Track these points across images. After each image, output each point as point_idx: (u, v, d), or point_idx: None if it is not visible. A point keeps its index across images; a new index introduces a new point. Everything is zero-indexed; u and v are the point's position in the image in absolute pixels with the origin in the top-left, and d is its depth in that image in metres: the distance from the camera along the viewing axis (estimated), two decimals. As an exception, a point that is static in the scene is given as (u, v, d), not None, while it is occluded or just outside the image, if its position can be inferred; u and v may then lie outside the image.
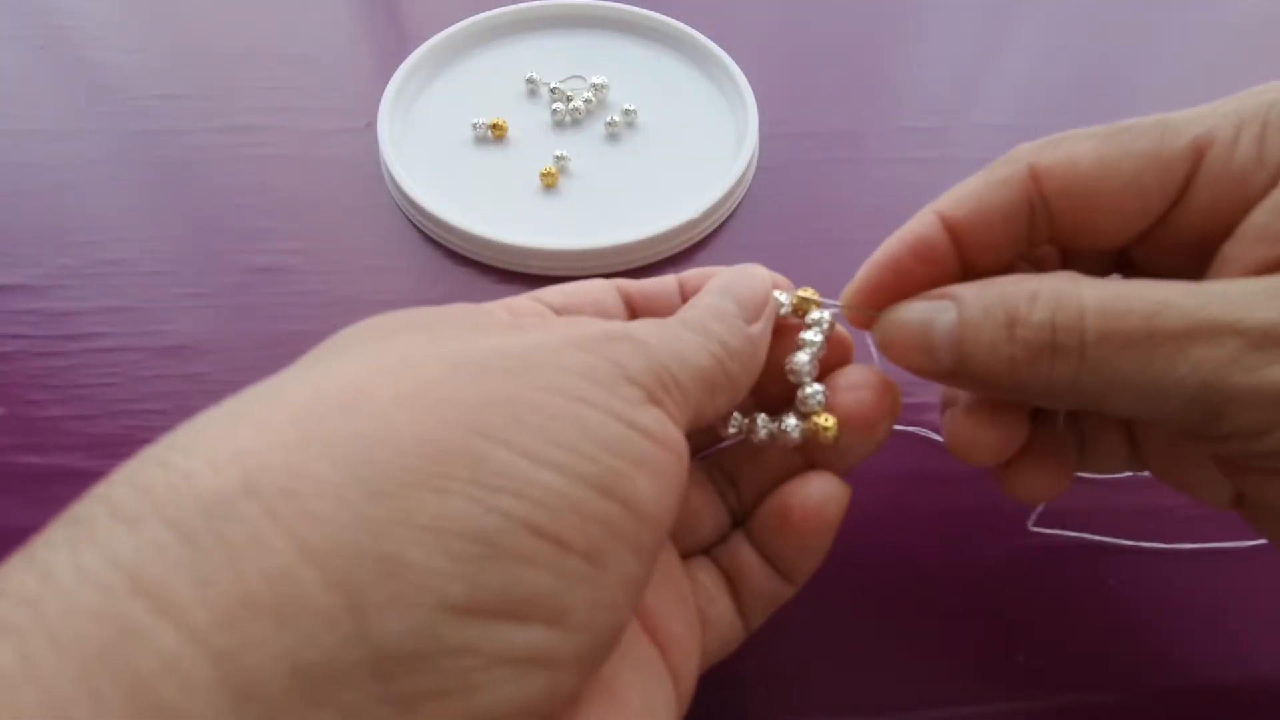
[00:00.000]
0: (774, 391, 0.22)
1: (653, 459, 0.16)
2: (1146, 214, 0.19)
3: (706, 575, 0.22)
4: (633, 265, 0.34)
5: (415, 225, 0.36)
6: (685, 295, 0.23)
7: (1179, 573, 0.27)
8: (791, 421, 0.21)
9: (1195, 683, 0.25)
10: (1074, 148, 0.19)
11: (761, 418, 0.22)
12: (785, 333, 0.22)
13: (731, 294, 0.21)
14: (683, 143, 0.38)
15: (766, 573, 0.22)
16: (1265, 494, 0.18)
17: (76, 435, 0.29)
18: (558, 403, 0.15)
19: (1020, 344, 0.18)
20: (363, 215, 0.36)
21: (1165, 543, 0.27)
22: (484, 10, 0.42)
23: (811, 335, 0.22)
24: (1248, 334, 0.16)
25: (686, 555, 0.23)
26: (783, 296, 0.22)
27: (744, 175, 0.37)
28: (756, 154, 0.38)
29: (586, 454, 0.15)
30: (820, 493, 0.21)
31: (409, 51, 0.40)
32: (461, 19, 0.41)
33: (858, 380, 0.21)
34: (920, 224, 0.21)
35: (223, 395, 0.15)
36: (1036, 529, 0.27)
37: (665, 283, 0.23)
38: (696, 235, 0.35)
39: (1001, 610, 0.26)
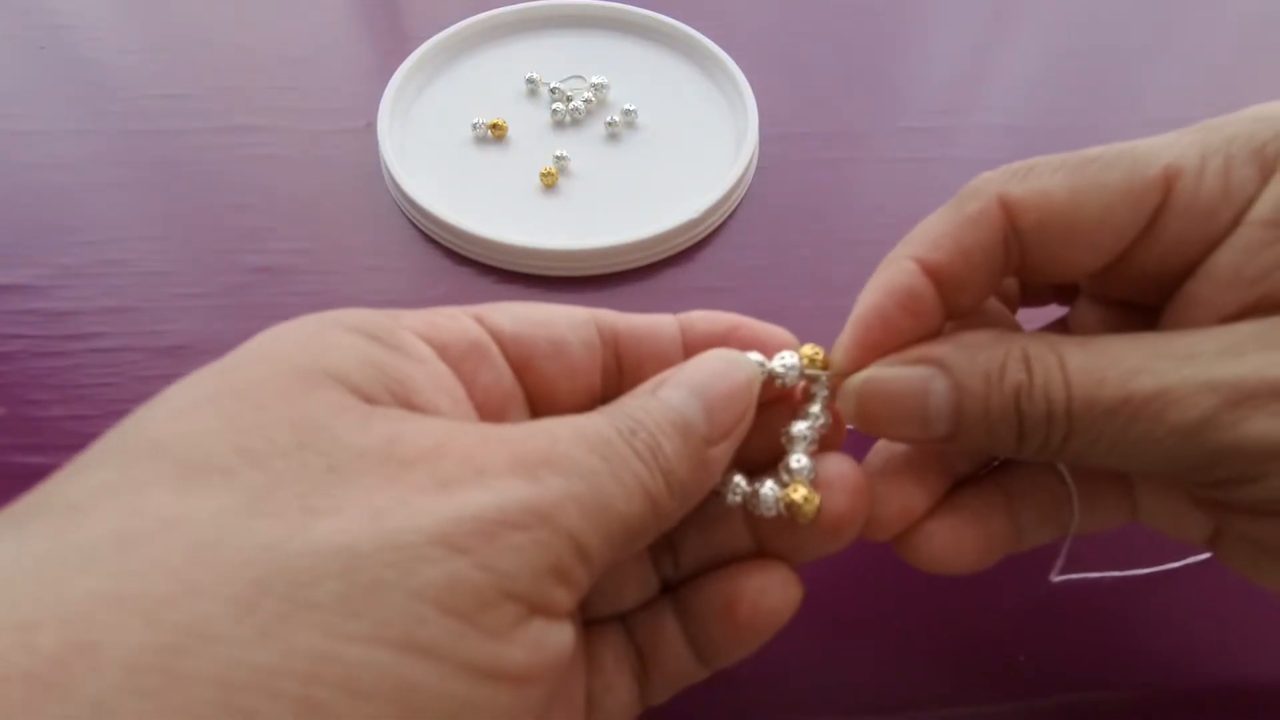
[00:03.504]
0: (752, 452, 0.20)
1: (506, 714, 0.13)
2: (1116, 246, 0.19)
3: (611, 655, 0.20)
4: (632, 265, 0.34)
5: (415, 225, 0.36)
6: (687, 344, 0.20)
7: (1178, 574, 0.27)
8: (769, 488, 0.19)
9: (1195, 683, 0.25)
10: (1044, 180, 0.18)
11: (738, 478, 0.19)
12: (779, 398, 0.20)
13: (705, 398, 0.17)
14: (683, 143, 0.38)
15: (686, 655, 0.20)
16: (1249, 531, 0.18)
17: (76, 435, 0.29)
18: (377, 664, 0.12)
19: (1025, 416, 0.18)
20: (363, 215, 0.36)
21: (1179, 560, 0.26)
22: (484, 10, 0.42)
23: (815, 408, 0.20)
24: (1220, 390, 0.16)
25: (598, 620, 0.20)
26: (787, 360, 0.20)
27: (744, 175, 0.37)
28: (756, 154, 0.38)
29: None
30: (778, 591, 0.19)
31: (409, 51, 0.40)
32: (461, 19, 0.41)
33: (834, 478, 0.19)
34: (901, 273, 0.19)
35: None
36: (1062, 576, 0.24)
37: (661, 325, 0.20)
38: (696, 235, 0.35)
39: (1002, 610, 0.26)
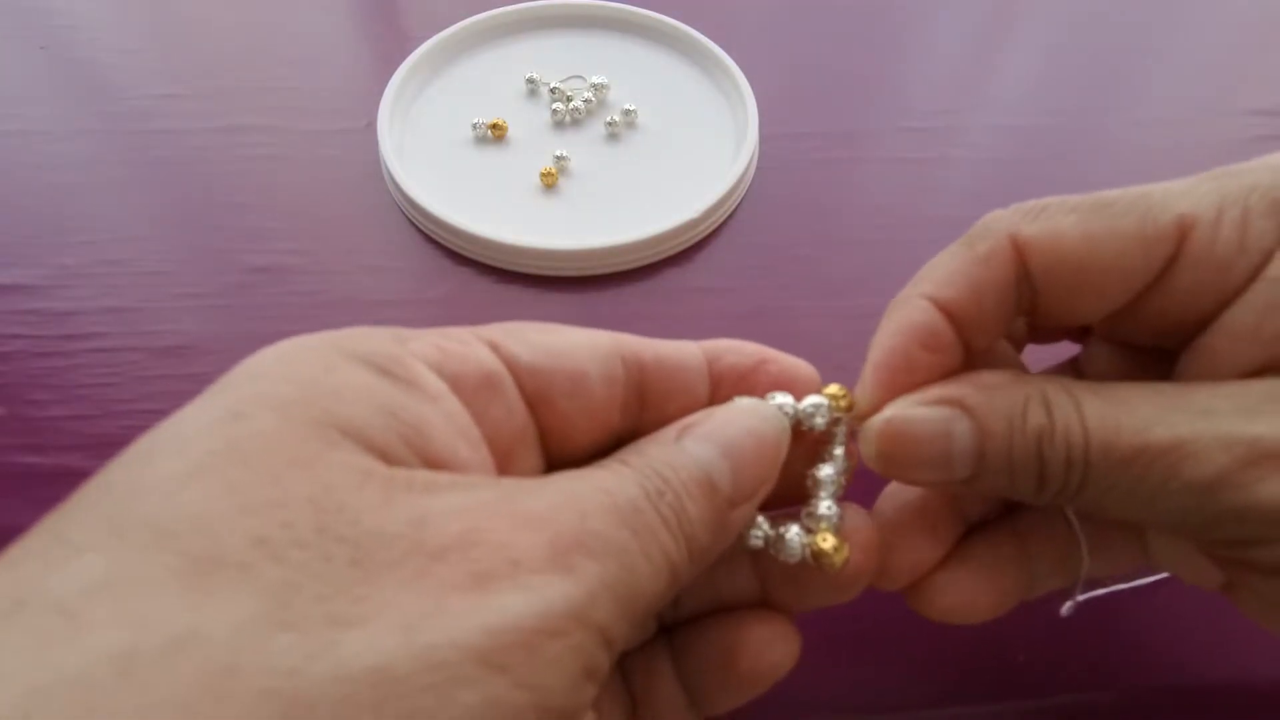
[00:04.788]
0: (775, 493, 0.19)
1: None
2: (1128, 292, 0.18)
3: (605, 696, 0.19)
4: (633, 265, 0.34)
5: (415, 225, 0.36)
6: (714, 376, 0.19)
7: (1179, 573, 0.27)
8: (795, 534, 0.19)
9: (1195, 683, 0.25)
10: (1056, 221, 0.18)
11: (760, 520, 0.19)
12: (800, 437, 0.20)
13: (731, 457, 0.17)
14: (683, 143, 0.38)
15: (679, 701, 0.20)
16: (1263, 590, 0.18)
17: (76, 435, 0.29)
18: None
19: (1046, 461, 0.17)
20: (363, 215, 0.36)
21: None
22: (484, 10, 0.42)
23: (839, 450, 0.20)
24: (1235, 450, 0.16)
25: None
26: (819, 405, 0.19)
27: (744, 175, 0.37)
28: (756, 154, 0.37)
29: None
30: (780, 645, 0.19)
31: (409, 51, 0.40)
32: (461, 19, 0.41)
33: (848, 532, 0.19)
34: (917, 311, 0.19)
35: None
36: (1071, 604, 0.23)
37: (687, 355, 0.19)
38: (696, 235, 0.35)
39: (1001, 610, 0.26)
